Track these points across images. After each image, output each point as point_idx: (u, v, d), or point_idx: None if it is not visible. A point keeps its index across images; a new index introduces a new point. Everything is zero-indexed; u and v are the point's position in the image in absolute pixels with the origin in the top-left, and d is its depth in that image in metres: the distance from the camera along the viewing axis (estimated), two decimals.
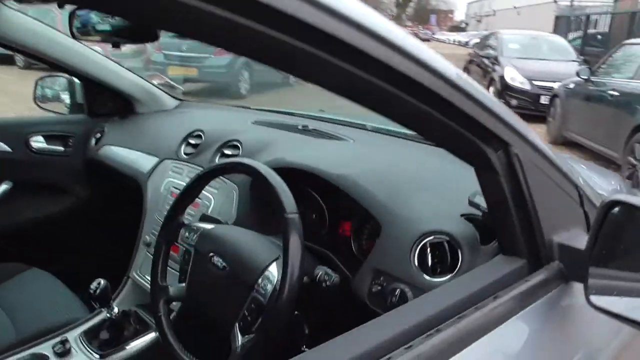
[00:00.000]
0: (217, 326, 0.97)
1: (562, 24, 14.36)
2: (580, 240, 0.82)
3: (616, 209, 0.68)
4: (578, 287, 0.80)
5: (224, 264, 0.94)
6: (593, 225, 0.72)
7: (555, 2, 42.27)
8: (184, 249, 1.05)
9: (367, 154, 1.21)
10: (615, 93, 5.30)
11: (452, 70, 0.61)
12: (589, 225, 0.92)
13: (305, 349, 0.97)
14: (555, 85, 6.89)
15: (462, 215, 0.96)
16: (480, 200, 0.93)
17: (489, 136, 0.72)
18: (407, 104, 0.60)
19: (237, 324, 0.91)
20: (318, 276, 0.93)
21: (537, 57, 8.46)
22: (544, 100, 7.30)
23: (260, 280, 0.90)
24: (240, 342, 0.89)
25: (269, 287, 0.88)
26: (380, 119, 1.77)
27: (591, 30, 12.84)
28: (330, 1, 0.44)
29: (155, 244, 1.07)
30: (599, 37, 12.72)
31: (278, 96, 9.33)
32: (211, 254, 0.97)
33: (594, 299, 0.70)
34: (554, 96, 6.73)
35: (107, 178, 1.76)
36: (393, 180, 1.06)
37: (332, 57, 0.47)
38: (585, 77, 6.02)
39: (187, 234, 1.04)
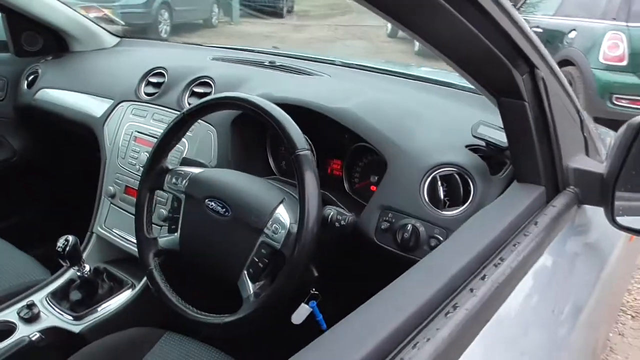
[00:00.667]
0: (220, 276, 0.91)
1: None
2: (591, 164, 0.84)
3: None
4: (590, 209, 0.83)
5: (224, 208, 0.87)
6: (618, 150, 0.72)
7: None
8: (172, 196, 0.96)
9: (354, 88, 1.15)
10: (539, 30, 5.51)
11: None
12: (587, 149, 0.94)
13: (315, 292, 0.94)
14: None
15: (466, 147, 0.95)
16: (485, 131, 0.92)
17: (520, 57, 0.70)
18: (457, 23, 0.56)
19: (245, 272, 0.85)
20: (330, 216, 0.88)
21: None
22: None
23: (270, 224, 0.84)
24: (252, 291, 0.84)
25: (282, 231, 0.82)
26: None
27: None
28: None
29: (138, 192, 0.97)
30: None
31: (201, 39, 8.86)
32: (208, 199, 0.89)
33: (620, 219, 0.72)
34: None
35: (48, 126, 1.57)
36: (392, 114, 1.01)
37: None
38: None
39: (173, 179, 0.95)
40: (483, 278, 0.55)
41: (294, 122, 0.83)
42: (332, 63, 1.48)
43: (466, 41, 0.61)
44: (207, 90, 1.25)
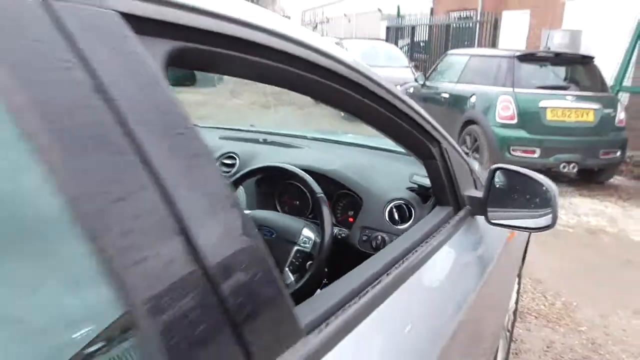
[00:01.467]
0: None
1: (392, 33, 16.34)
2: (476, 193, 1.49)
3: (498, 172, 1.35)
4: (479, 219, 1.47)
5: (271, 232, 1.43)
6: (487, 182, 1.38)
7: (380, 11, 46.65)
8: None
9: (329, 155, 1.77)
10: (446, 95, 6.56)
11: (400, 92, 1.19)
12: (476, 184, 1.60)
13: (326, 282, 1.50)
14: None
15: (407, 188, 1.58)
16: (416, 179, 1.56)
17: (429, 136, 1.33)
18: (380, 115, 1.17)
19: (287, 268, 1.40)
20: (335, 233, 1.47)
21: (377, 64, 9.71)
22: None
23: (300, 238, 1.40)
24: (292, 278, 1.39)
25: (310, 242, 1.39)
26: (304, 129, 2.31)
27: (416, 39, 14.90)
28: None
29: None
30: (422, 44, 14.84)
31: None
32: (260, 228, 1.45)
33: (493, 220, 1.36)
34: None
35: None
36: (360, 170, 1.64)
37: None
38: (422, 82, 7.31)
39: None
40: (388, 274, 1.09)
41: (309, 177, 1.43)
42: (304, 137, 2.10)
43: (395, 125, 1.23)
44: (233, 161, 1.81)
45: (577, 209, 4.94)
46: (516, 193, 1.37)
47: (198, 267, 0.44)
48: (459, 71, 6.58)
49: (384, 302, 0.81)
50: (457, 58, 6.95)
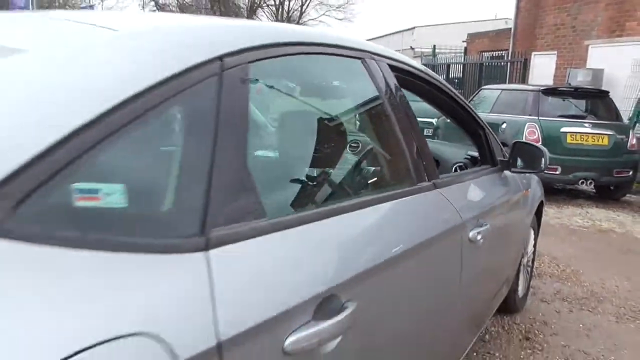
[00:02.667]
0: None
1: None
2: (503, 158, 2.59)
3: (517, 144, 2.45)
4: (506, 172, 2.57)
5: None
6: (510, 151, 2.47)
7: (412, 49, 48.88)
8: None
9: None
10: None
11: (469, 104, 2.34)
12: (503, 154, 2.69)
13: None
14: (434, 120, 9.25)
15: (464, 158, 2.68)
16: (470, 152, 2.67)
17: (480, 126, 2.46)
18: (459, 115, 2.32)
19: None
20: None
21: (417, 98, 10.85)
22: (426, 132, 9.65)
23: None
24: None
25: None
26: None
27: (451, 76, 16.11)
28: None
29: None
30: (457, 80, 16.03)
31: None
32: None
33: (513, 169, 2.46)
34: (436, 128, 9.05)
35: None
36: (434, 149, 2.77)
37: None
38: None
39: None
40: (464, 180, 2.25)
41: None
42: None
43: (466, 120, 2.38)
44: None
45: (592, 216, 5.90)
46: (526, 156, 2.45)
47: None
48: (491, 103, 7.67)
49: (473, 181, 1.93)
50: (490, 92, 8.06)
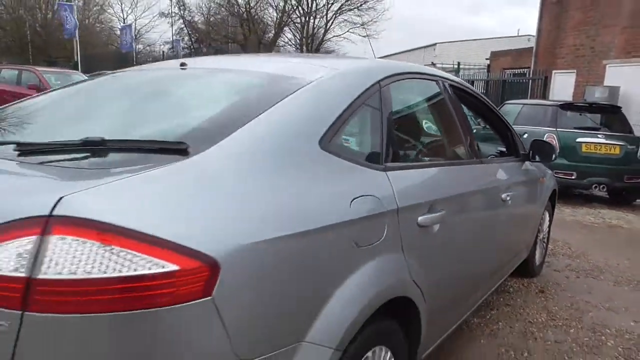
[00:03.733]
0: None
1: None
2: (524, 151, 3.50)
3: (534, 141, 3.35)
4: (527, 163, 3.47)
5: None
6: (530, 146, 3.37)
7: (434, 64, 49.80)
8: None
9: None
10: None
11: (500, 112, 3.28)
12: (525, 148, 3.59)
13: None
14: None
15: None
16: (499, 149, 3.58)
17: (509, 129, 3.38)
18: (495, 122, 3.25)
19: None
20: None
21: None
22: None
23: None
24: None
25: None
26: None
27: None
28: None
29: None
30: None
31: None
32: None
33: (532, 160, 3.37)
34: None
35: None
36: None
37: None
38: (483, 125, 9.32)
39: None
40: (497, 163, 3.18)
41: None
42: None
43: (498, 126, 3.30)
44: None
45: (603, 215, 6.71)
46: (541, 151, 3.35)
47: None
48: (514, 116, 8.52)
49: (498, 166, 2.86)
50: (513, 107, 8.92)
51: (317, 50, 40.10)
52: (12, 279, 0.97)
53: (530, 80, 13.60)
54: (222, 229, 1.12)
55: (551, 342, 2.92)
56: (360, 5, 36.73)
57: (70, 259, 0.97)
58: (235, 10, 34.31)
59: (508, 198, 2.72)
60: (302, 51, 36.86)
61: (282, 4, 35.36)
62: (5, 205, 1.04)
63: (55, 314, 0.98)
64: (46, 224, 0.98)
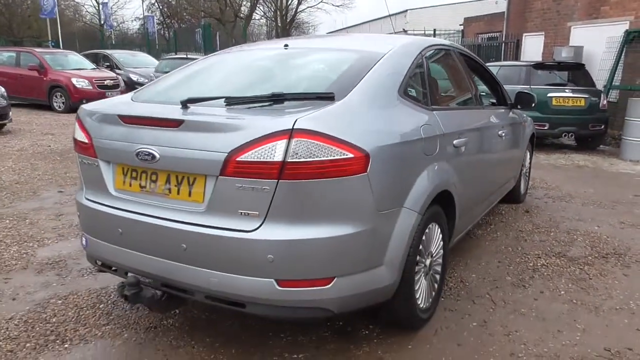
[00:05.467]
0: None
1: None
2: (510, 102, 4.46)
3: (518, 93, 4.31)
4: (514, 111, 4.44)
5: None
6: (514, 97, 4.33)
7: (405, 31, 50.44)
8: None
9: None
10: (483, 93, 9.54)
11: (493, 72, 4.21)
12: (512, 99, 4.55)
13: None
14: None
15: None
16: (491, 100, 4.53)
17: (499, 85, 4.32)
18: (488, 79, 4.20)
19: None
20: None
21: None
22: None
23: None
24: None
25: None
26: None
27: None
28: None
29: None
30: None
31: None
32: None
33: (514, 109, 4.33)
34: None
35: None
36: None
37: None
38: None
39: None
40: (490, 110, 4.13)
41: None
42: None
43: (490, 82, 4.23)
44: None
45: (573, 159, 7.81)
46: (523, 100, 4.31)
47: None
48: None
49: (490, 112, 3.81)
50: (492, 69, 9.88)
51: (291, 22, 40.29)
52: (275, 162, 1.86)
53: (503, 44, 14.57)
54: (369, 136, 2.03)
55: (537, 241, 3.94)
56: None
57: (302, 150, 1.86)
58: None
59: (502, 134, 3.69)
60: (275, 23, 36.98)
61: None
62: (264, 124, 1.91)
63: (294, 180, 1.87)
64: (291, 133, 1.86)
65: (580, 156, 8.07)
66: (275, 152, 1.86)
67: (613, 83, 10.22)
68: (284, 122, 1.90)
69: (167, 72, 11.62)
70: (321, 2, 40.96)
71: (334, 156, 1.89)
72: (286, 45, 2.80)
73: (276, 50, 2.84)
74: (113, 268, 2.38)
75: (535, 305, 2.85)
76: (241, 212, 1.94)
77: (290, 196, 1.89)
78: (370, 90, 2.25)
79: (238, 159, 1.90)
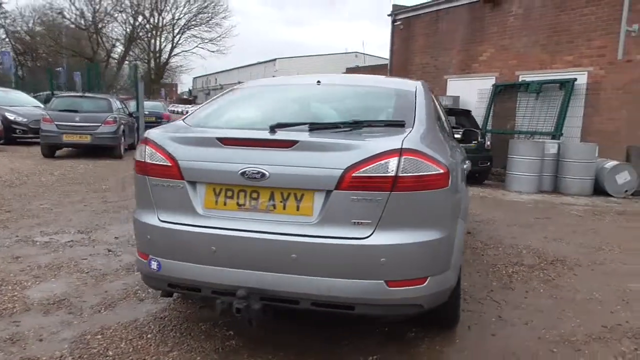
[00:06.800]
0: None
1: None
2: None
3: (465, 132, 5.05)
4: None
5: None
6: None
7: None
8: None
9: None
10: None
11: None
12: None
13: None
14: None
15: None
16: None
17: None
18: None
19: None
20: None
21: None
22: None
23: None
24: None
25: None
26: None
27: None
28: None
29: None
30: None
31: None
32: None
33: None
34: None
35: None
36: None
37: None
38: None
39: None
40: None
41: None
42: None
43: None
44: None
45: (473, 191, 8.99)
46: (469, 136, 5.06)
47: None
48: None
49: None
50: None
51: (165, 65, 39.68)
52: (389, 177, 2.15)
53: None
54: (444, 155, 2.42)
55: (492, 255, 4.61)
56: (208, 21, 37.55)
57: (409, 166, 2.18)
58: (83, 25, 32.36)
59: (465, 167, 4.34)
60: (149, 65, 36.16)
61: (131, 19, 34.43)
62: (377, 144, 2.20)
63: (404, 192, 2.18)
64: (400, 151, 2.18)
65: (475, 189, 9.30)
66: (388, 167, 2.16)
67: (487, 127, 11.99)
68: (394, 142, 2.21)
69: (64, 111, 10.73)
70: (196, 47, 41.18)
71: (431, 171, 2.25)
72: (319, 82, 3.11)
73: (312, 85, 3.13)
74: (193, 288, 2.40)
75: (528, 302, 3.41)
76: (354, 222, 2.18)
77: (399, 206, 2.19)
78: (426, 119, 2.66)
79: (354, 174, 2.16)
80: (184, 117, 2.87)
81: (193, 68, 58.68)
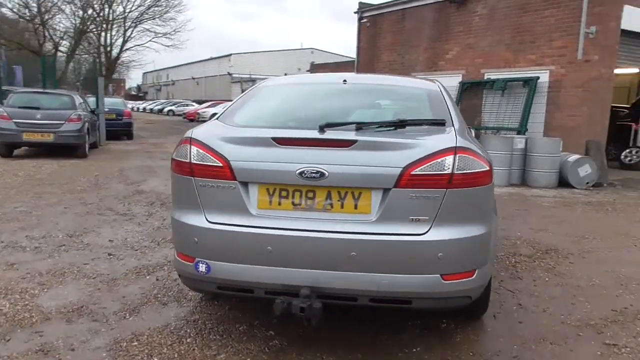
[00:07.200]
0: None
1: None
2: None
3: None
4: None
5: None
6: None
7: (230, 75, 51.84)
8: None
9: None
10: None
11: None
12: None
13: None
14: None
15: None
16: None
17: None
18: None
19: None
20: None
21: None
22: None
23: None
24: None
25: None
26: None
27: None
28: None
29: None
30: None
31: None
32: None
33: None
34: None
35: None
36: None
37: None
38: None
39: None
40: None
41: None
42: None
43: None
44: None
45: None
46: None
47: None
48: None
49: None
50: None
51: (117, 59, 38.24)
52: (446, 174, 2.21)
53: None
54: (486, 153, 2.50)
55: None
56: (161, 15, 36.47)
57: (463, 164, 2.25)
58: (27, 16, 30.65)
59: None
60: (99, 60, 34.77)
61: (81, 12, 32.95)
62: (433, 143, 2.26)
63: (459, 188, 2.25)
64: (455, 150, 2.25)
65: None
66: (445, 165, 2.22)
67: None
68: (448, 141, 2.28)
69: (23, 108, 10.16)
70: (150, 41, 39.99)
71: (479, 169, 2.33)
72: (345, 80, 3.13)
73: (339, 83, 3.13)
74: (246, 289, 2.38)
75: (539, 290, 3.58)
76: (412, 219, 2.23)
77: (453, 202, 2.25)
78: (459, 118, 2.75)
79: (413, 172, 2.21)
80: (217, 116, 2.82)
81: (148, 63, 56.87)
